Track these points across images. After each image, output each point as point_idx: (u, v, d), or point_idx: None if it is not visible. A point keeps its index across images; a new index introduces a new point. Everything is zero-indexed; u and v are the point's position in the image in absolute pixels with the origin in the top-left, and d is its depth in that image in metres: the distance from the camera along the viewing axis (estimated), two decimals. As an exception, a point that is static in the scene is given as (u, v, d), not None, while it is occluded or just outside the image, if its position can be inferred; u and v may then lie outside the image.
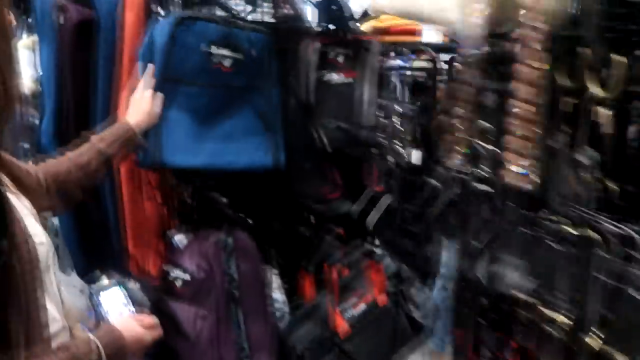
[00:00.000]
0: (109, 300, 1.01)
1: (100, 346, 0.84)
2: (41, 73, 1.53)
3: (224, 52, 1.33)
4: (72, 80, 1.43)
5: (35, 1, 1.48)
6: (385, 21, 2.28)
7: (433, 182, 2.60)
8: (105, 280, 1.22)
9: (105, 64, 1.42)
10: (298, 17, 1.93)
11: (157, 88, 1.27)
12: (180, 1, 1.46)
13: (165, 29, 1.27)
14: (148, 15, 1.42)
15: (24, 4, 3.23)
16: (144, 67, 1.29)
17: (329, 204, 1.73)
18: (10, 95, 0.74)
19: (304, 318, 1.66)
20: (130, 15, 1.43)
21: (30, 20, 3.42)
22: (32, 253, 0.77)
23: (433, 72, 3.22)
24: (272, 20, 1.89)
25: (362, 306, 1.73)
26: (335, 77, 1.69)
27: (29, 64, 3.31)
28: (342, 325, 1.68)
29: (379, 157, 1.83)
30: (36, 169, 1.04)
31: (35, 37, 3.21)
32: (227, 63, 1.34)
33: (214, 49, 1.32)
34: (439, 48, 2.36)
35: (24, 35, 3.49)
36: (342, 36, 1.68)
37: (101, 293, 1.02)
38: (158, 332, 1.02)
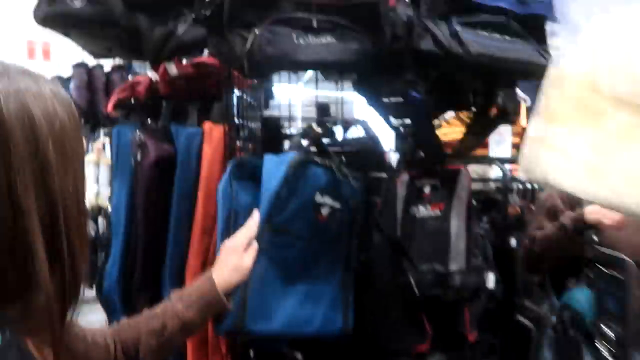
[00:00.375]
0: None
1: None
2: (111, 211, 1.44)
3: (327, 200, 1.19)
4: (144, 221, 1.33)
5: (113, 137, 1.43)
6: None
7: (524, 321, 2.30)
8: None
9: (181, 201, 1.32)
10: (374, 143, 1.83)
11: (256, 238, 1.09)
12: (260, 136, 1.38)
13: (279, 172, 1.14)
14: (227, 151, 1.34)
15: (92, 119, 3.39)
16: (232, 211, 1.14)
17: (416, 358, 1.48)
18: (77, 274, 0.60)
19: None
20: (209, 150, 1.35)
21: (95, 134, 3.57)
22: None
23: (504, 189, 3.05)
24: (348, 148, 1.80)
25: None
26: (423, 211, 1.52)
27: (93, 179, 3.38)
28: None
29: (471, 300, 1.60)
30: (105, 334, 0.89)
31: (100, 144, 3.30)
32: (325, 212, 1.20)
33: (319, 197, 1.19)
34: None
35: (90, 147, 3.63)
36: (432, 166, 1.53)
37: None
38: None
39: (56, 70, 3.39)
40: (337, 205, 1.23)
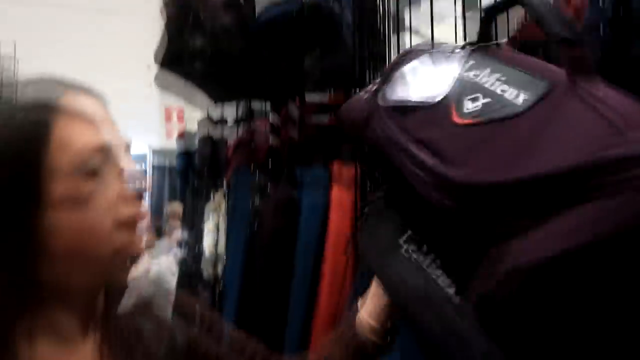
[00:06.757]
0: None
1: None
2: (226, 257, 1.31)
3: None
4: (263, 274, 1.17)
5: (232, 179, 1.32)
6: None
7: None
8: None
9: (305, 252, 1.14)
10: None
11: None
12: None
13: None
14: (360, 194, 1.15)
15: (214, 169, 3.46)
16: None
17: None
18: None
19: None
20: (338, 194, 1.17)
21: (217, 183, 3.64)
22: None
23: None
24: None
25: None
26: None
27: (213, 227, 3.39)
28: None
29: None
30: None
31: (220, 196, 3.33)
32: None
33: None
34: None
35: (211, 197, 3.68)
36: None
37: None
38: None
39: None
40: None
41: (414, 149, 0.51)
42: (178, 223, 5.40)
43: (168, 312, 0.70)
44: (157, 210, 6.57)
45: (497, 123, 0.46)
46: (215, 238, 3.61)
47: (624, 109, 0.42)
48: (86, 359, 0.60)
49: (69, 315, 0.58)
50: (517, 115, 0.46)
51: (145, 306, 0.69)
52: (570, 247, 0.38)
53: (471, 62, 0.55)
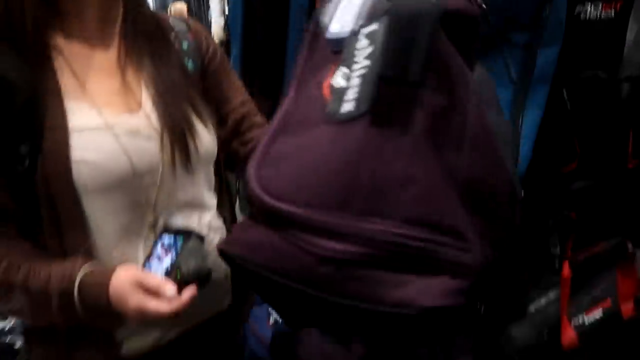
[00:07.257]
0: (163, 251, 0.72)
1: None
2: (228, 17, 1.36)
3: None
4: (261, 25, 1.23)
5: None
6: None
7: None
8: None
9: (297, 10, 1.18)
10: None
11: None
12: None
13: None
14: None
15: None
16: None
17: (560, 176, 1.34)
18: None
19: (519, 317, 1.34)
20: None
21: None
22: (62, 169, 0.67)
23: None
24: None
25: (597, 313, 1.34)
26: (591, 11, 1.22)
27: (219, 13, 3.28)
28: (567, 334, 1.33)
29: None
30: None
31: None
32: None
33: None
34: None
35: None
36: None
37: (163, 236, 0.73)
38: (171, 307, 0.69)
39: None
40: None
41: (295, 78, 0.50)
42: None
43: (186, 41, 0.81)
44: (161, 14, 6.17)
45: (318, 120, 0.46)
46: (222, 23, 3.57)
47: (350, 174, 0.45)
48: (108, 58, 0.75)
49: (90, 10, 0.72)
50: (322, 124, 0.45)
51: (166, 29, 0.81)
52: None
53: (375, 26, 0.45)
